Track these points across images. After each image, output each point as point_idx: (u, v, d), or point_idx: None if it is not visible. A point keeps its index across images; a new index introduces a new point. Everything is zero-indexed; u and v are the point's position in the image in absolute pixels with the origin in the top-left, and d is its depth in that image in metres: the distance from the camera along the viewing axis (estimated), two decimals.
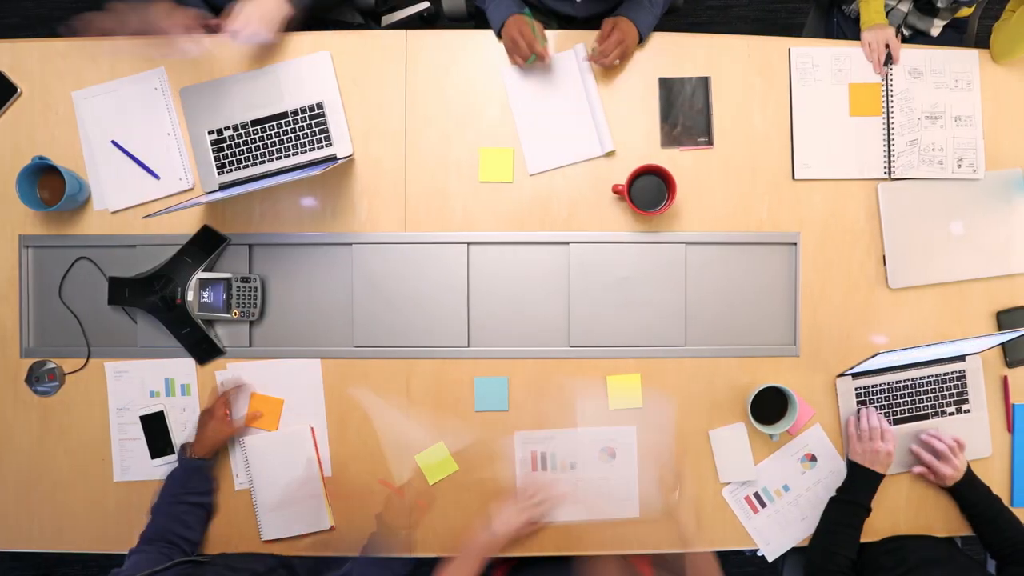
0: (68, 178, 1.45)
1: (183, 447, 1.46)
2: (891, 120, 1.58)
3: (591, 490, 1.51)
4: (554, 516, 1.51)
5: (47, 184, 1.50)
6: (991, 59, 1.59)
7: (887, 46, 1.55)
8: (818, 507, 1.50)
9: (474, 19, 1.75)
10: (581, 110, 1.53)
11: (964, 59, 1.59)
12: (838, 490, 1.49)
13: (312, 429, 1.52)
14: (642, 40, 1.52)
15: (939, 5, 1.60)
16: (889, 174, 1.57)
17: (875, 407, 1.54)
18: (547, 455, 1.52)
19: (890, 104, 1.58)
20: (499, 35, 1.51)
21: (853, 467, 1.48)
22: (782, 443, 1.54)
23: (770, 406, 1.51)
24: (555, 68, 1.54)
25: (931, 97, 1.59)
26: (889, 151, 1.58)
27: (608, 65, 1.49)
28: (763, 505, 1.53)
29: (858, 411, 1.53)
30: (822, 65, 1.57)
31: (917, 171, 1.58)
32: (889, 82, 1.58)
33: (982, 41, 1.64)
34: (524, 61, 1.47)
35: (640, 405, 1.52)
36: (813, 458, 1.54)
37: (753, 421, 1.48)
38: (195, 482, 1.44)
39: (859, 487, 1.46)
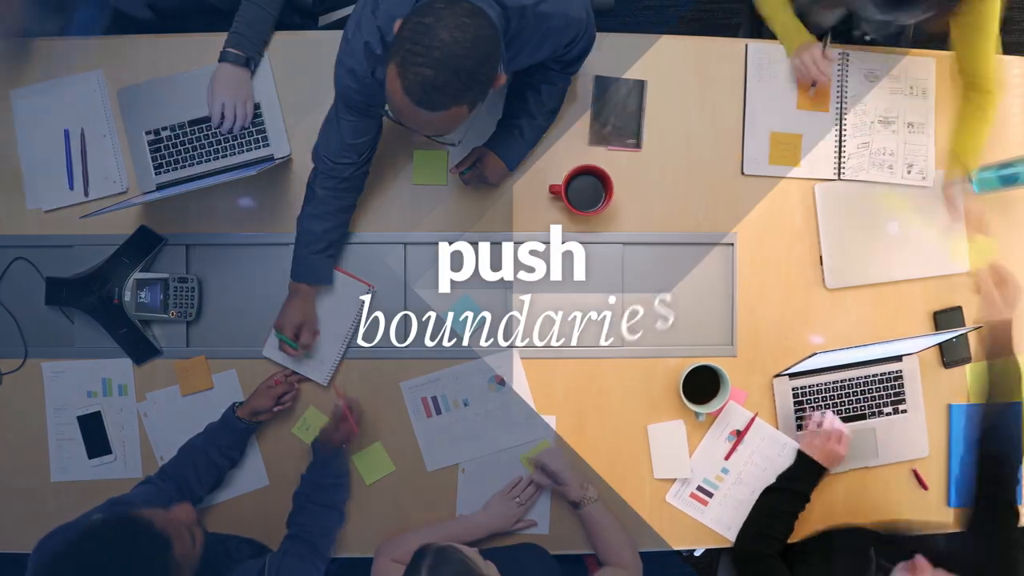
0: None
1: (234, 404, 1.46)
2: (843, 121, 1.58)
3: (489, 423, 1.52)
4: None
5: None
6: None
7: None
8: (762, 476, 1.50)
9: None
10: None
11: (922, 66, 1.59)
12: (780, 477, 1.49)
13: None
14: (512, 169, 1.51)
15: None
16: (839, 174, 1.58)
17: (812, 407, 1.55)
18: (438, 398, 1.52)
19: (844, 105, 1.58)
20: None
21: (802, 457, 1.47)
22: (705, 428, 1.55)
23: (703, 388, 1.50)
24: None
25: (885, 102, 1.59)
26: (840, 152, 1.58)
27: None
28: (710, 495, 1.54)
29: (821, 412, 1.52)
30: (779, 61, 1.57)
31: (867, 174, 1.58)
32: (844, 83, 1.58)
33: (918, 43, 1.65)
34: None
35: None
36: (737, 432, 1.54)
37: (684, 399, 1.48)
38: (224, 439, 1.44)
39: (805, 477, 1.46)
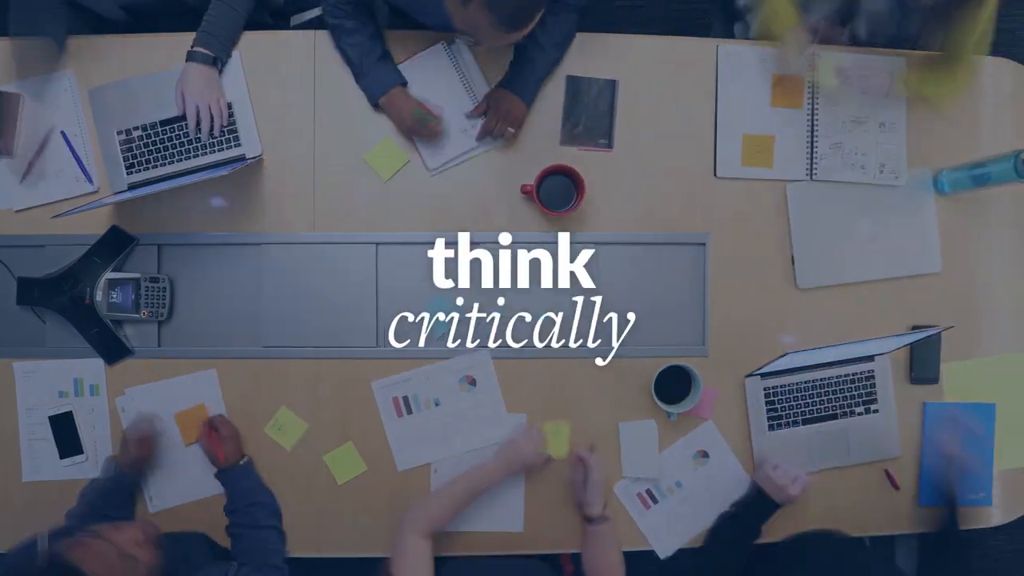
0: None
1: (110, 458, 1.45)
2: (816, 121, 1.58)
3: (461, 423, 1.52)
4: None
5: None
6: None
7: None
8: (709, 505, 1.50)
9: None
10: (462, 99, 1.53)
11: (893, 66, 1.58)
12: (734, 505, 1.49)
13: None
14: (529, 105, 1.51)
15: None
16: (811, 175, 1.58)
17: (785, 407, 1.55)
18: (409, 398, 1.52)
19: (815, 105, 1.58)
20: (376, 105, 1.51)
21: (756, 490, 1.48)
22: (675, 438, 1.55)
23: (675, 388, 1.50)
24: (427, 67, 1.53)
25: (857, 101, 1.58)
26: (812, 152, 1.58)
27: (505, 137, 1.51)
28: (655, 501, 1.54)
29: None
30: (752, 66, 1.57)
31: (840, 174, 1.58)
32: (816, 84, 1.58)
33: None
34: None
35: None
36: (705, 454, 1.54)
37: (656, 399, 1.48)
38: (118, 496, 1.43)
39: (758, 510, 1.46)
